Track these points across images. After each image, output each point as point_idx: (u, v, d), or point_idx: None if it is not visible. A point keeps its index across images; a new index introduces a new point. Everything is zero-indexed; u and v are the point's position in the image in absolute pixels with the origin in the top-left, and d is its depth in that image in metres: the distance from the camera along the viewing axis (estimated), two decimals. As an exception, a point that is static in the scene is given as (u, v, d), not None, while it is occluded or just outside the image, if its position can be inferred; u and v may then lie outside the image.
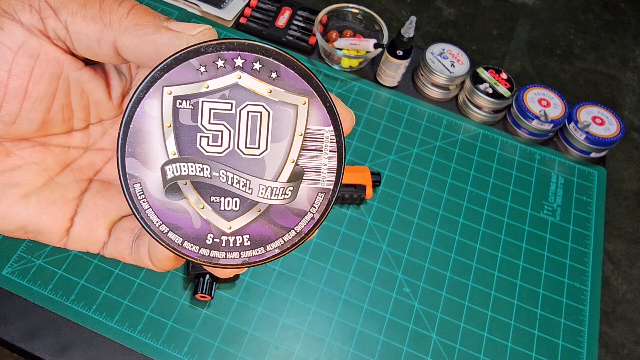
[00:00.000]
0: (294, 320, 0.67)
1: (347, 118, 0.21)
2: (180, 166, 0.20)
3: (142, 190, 0.20)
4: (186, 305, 0.66)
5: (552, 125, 0.85)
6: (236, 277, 0.67)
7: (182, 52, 0.19)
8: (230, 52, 0.19)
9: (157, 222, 0.20)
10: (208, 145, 0.20)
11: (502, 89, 0.87)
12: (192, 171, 0.20)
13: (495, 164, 0.85)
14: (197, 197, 0.20)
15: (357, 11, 0.92)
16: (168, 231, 0.20)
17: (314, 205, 0.20)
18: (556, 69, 1.94)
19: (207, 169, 0.20)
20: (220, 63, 0.19)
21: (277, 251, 0.20)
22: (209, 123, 0.20)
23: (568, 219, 0.81)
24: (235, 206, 0.20)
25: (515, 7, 2.10)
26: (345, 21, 0.94)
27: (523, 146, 0.88)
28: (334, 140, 0.20)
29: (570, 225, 0.80)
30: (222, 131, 0.20)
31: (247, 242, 0.20)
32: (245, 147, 0.20)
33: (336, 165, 0.20)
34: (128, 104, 0.19)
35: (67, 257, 0.67)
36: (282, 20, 0.93)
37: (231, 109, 0.20)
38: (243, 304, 0.67)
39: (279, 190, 0.20)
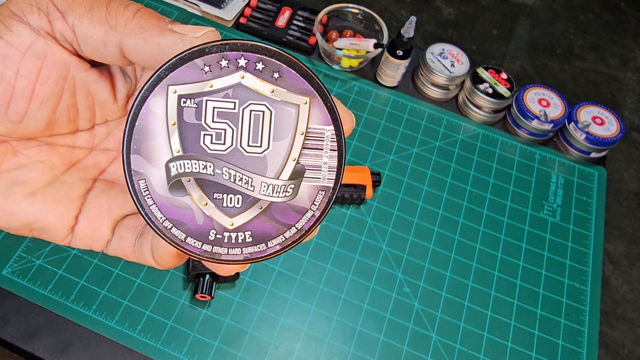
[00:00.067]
0: (294, 320, 0.67)
1: (348, 120, 0.21)
2: (184, 163, 0.20)
3: (147, 187, 0.20)
4: (186, 305, 0.66)
5: (552, 125, 0.85)
6: (236, 276, 0.67)
7: (187, 52, 0.19)
8: (233, 52, 0.19)
9: (161, 218, 0.20)
10: (211, 143, 0.20)
11: (502, 89, 0.87)
12: (196, 168, 0.20)
13: (495, 164, 0.85)
14: (200, 194, 0.20)
15: (357, 11, 0.92)
16: (171, 227, 0.20)
17: (315, 202, 0.21)
18: (556, 69, 1.94)
19: (210, 167, 0.20)
20: (224, 63, 0.20)
21: (278, 247, 0.21)
22: (213, 121, 0.20)
23: (568, 219, 0.81)
24: (238, 203, 0.20)
25: (515, 7, 2.10)
26: (345, 21, 0.94)
27: (523, 146, 0.88)
28: (335, 140, 0.20)
29: (570, 225, 0.80)
30: (225, 129, 0.20)
31: (248, 238, 0.20)
32: (248, 146, 0.20)
33: (336, 164, 0.21)
34: (134, 102, 0.20)
35: (67, 257, 0.67)
36: (282, 20, 0.93)
37: (234, 108, 0.20)
38: (243, 304, 0.67)
39: (281, 188, 0.20)
